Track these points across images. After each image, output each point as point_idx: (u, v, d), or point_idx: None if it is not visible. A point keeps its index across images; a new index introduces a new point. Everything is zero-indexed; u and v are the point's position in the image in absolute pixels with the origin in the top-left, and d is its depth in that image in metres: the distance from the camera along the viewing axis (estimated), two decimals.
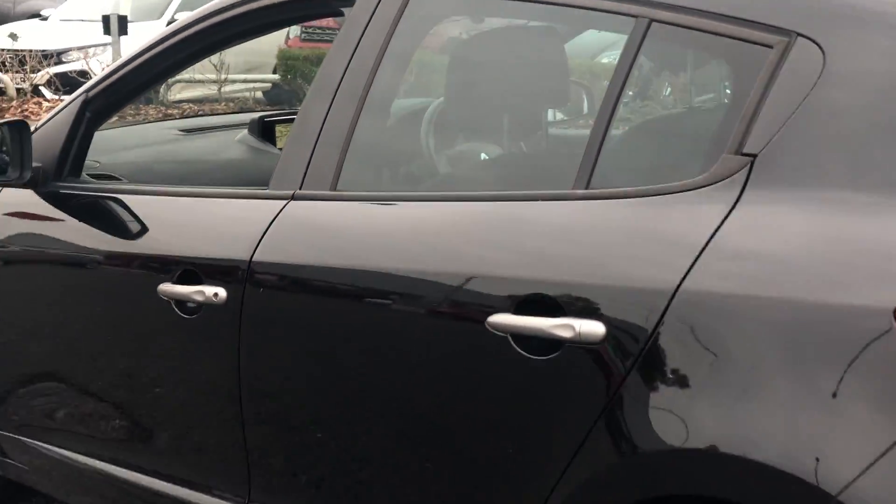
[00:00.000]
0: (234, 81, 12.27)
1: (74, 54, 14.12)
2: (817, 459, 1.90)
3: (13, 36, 14.19)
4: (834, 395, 1.91)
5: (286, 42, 13.18)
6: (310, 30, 13.74)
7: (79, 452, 3.28)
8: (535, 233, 2.32)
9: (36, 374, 3.42)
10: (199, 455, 2.96)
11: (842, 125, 2.06)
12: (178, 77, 11.74)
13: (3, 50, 14.06)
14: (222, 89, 12.20)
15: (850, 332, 1.91)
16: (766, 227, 2.06)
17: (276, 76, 13.57)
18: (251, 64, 13.27)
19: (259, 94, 13.61)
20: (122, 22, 12.94)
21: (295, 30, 13.46)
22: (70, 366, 3.29)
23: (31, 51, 13.78)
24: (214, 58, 11.17)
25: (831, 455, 1.89)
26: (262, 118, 4.03)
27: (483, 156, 2.80)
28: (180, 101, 12.45)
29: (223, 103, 12.28)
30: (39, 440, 3.39)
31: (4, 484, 3.77)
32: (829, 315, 1.93)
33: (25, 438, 3.43)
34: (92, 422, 3.24)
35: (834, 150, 2.06)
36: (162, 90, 12.01)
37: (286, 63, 12.78)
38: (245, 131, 4.05)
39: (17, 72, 13.40)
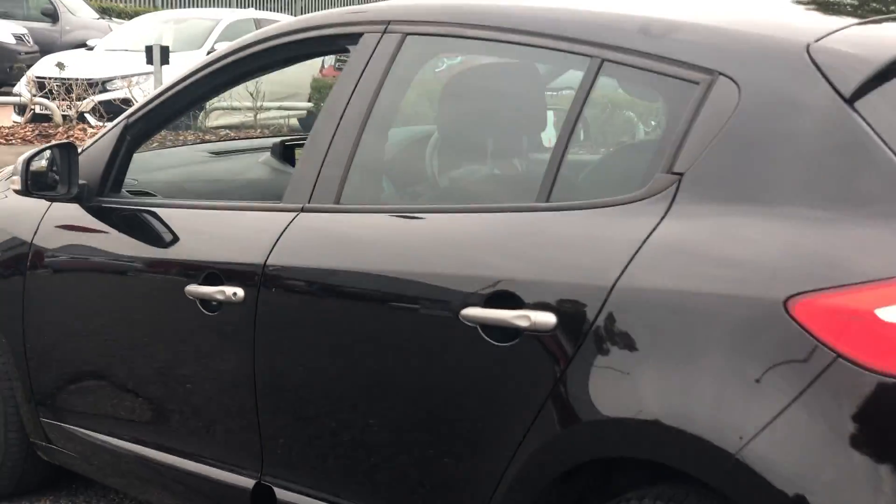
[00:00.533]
0: (269, 109, 12.73)
1: (118, 83, 14.67)
2: (721, 425, 2.29)
3: (60, 65, 14.77)
4: (735, 373, 2.30)
5: (321, 71, 13.65)
6: (344, 60, 14.18)
7: (117, 437, 3.70)
8: (503, 238, 2.73)
9: (80, 369, 3.85)
10: (219, 436, 3.37)
11: (750, 148, 2.46)
12: (215, 105, 12.27)
13: (50, 78, 14.65)
14: (258, 116, 12.67)
15: (752, 318, 2.30)
16: (687, 233, 2.46)
17: (311, 104, 14.05)
18: (287, 92, 13.74)
19: (294, 122, 14.10)
20: (164, 52, 13.47)
21: (330, 59, 13.93)
22: (110, 360, 3.72)
23: (77, 79, 14.34)
24: (251, 86, 11.64)
25: (732, 422, 2.28)
26: (283, 142, 4.47)
27: (461, 173, 3.22)
28: (218, 128, 12.93)
29: (258, 130, 12.75)
30: (82, 427, 3.82)
31: (51, 469, 4.21)
32: (735, 305, 2.33)
33: (70, 426, 3.86)
34: (128, 410, 3.67)
35: (743, 169, 2.46)
36: (200, 117, 12.49)
37: (320, 91, 13.24)
38: (268, 154, 4.49)
39: (63, 99, 13.96)
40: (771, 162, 2.44)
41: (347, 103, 3.16)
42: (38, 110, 14.07)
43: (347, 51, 3.29)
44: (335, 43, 3.38)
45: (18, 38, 20.95)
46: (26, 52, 20.47)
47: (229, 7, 29.24)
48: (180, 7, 29.74)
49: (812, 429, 2.21)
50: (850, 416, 2.19)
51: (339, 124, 3.16)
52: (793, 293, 2.26)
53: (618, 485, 2.60)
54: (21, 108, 14.74)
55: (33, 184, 3.73)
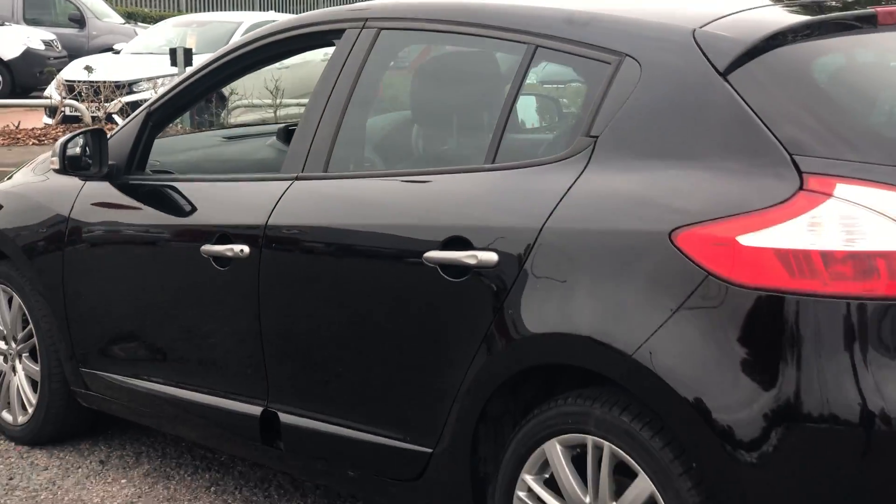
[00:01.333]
0: (288, 105, 13.32)
1: (144, 84, 15.30)
2: (621, 333, 2.88)
3: (88, 68, 15.42)
4: (634, 291, 2.89)
5: None
6: None
7: (146, 380, 4.31)
8: (457, 194, 3.34)
9: (113, 325, 4.46)
10: (232, 373, 3.98)
11: (648, 114, 3.05)
12: (237, 102, 12.92)
13: (79, 81, 15.31)
14: (277, 112, 13.28)
15: (645, 247, 2.89)
16: (601, 183, 3.05)
17: None
18: (306, 89, 14.32)
19: None
20: (188, 54, 14.09)
21: None
22: (138, 315, 4.34)
23: (104, 82, 14.99)
24: (270, 84, 12.26)
25: (629, 331, 2.87)
26: (286, 126, 5.07)
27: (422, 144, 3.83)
28: (240, 125, 13.54)
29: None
30: (116, 374, 4.44)
31: (89, 416, 4.83)
32: (633, 237, 2.92)
33: (106, 374, 4.48)
34: (155, 356, 4.29)
35: (643, 131, 3.05)
36: (223, 114, 13.13)
37: None
38: (274, 137, 5.10)
39: (92, 101, 14.60)
40: (663, 125, 3.03)
41: (333, 88, 3.77)
42: (68, 112, 14.71)
43: (333, 44, 3.89)
44: (323, 38, 3.99)
45: (47, 44, 21.68)
46: (55, 58, 21.20)
47: (250, 10, 29.94)
48: (203, 11, 30.46)
49: (690, 331, 2.80)
50: (719, 320, 2.77)
51: (326, 106, 3.76)
52: (675, 227, 2.85)
53: (556, 393, 3.20)
54: (52, 111, 15.39)
55: (69, 164, 4.36)
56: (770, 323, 2.74)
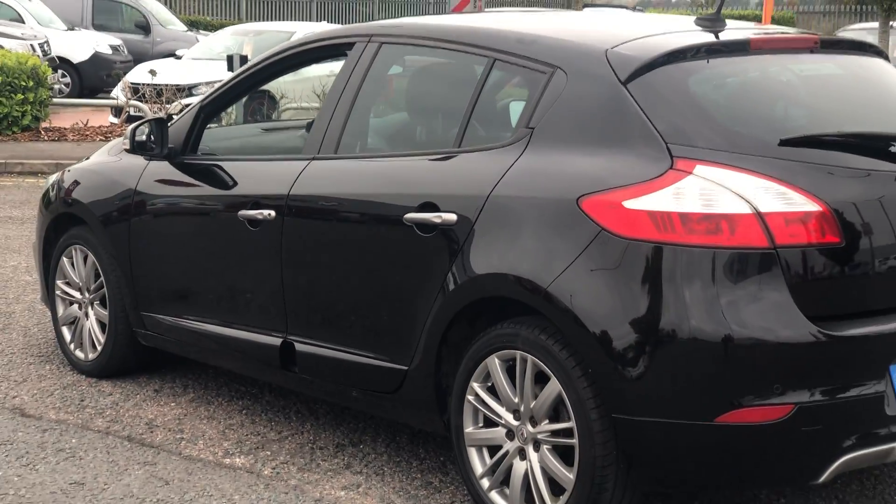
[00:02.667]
0: None
1: (203, 88, 16.45)
2: (539, 272, 3.90)
3: (152, 72, 16.63)
4: (550, 242, 3.91)
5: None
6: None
7: (192, 320, 5.38)
8: (431, 170, 4.38)
9: (168, 276, 5.54)
10: (260, 312, 5.04)
11: (570, 112, 4.08)
12: (287, 105, 14.04)
13: (143, 84, 16.53)
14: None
15: (560, 210, 3.91)
16: (533, 163, 4.08)
17: None
18: None
19: None
20: (243, 61, 15.16)
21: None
22: (188, 268, 5.41)
23: (167, 85, 16.18)
24: (318, 87, 13.35)
25: (545, 271, 3.88)
26: (314, 121, 6.14)
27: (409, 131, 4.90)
28: (279, 120, 14.63)
29: None
30: (170, 315, 5.50)
31: (147, 354, 5.91)
32: (552, 203, 3.94)
33: (161, 316, 5.56)
34: (201, 300, 5.36)
35: (566, 124, 4.07)
36: (274, 115, 14.24)
37: None
38: (304, 129, 6.16)
39: (154, 102, 15.78)
40: (580, 120, 4.06)
41: (344, 88, 4.83)
42: (132, 112, 15.90)
43: (346, 54, 4.95)
44: (339, 49, 5.05)
45: (114, 48, 23.03)
46: (121, 62, 22.54)
47: (305, 20, 31.17)
48: (262, 20, 31.75)
49: (587, 270, 3.81)
50: (608, 262, 3.78)
51: (338, 101, 4.83)
52: (581, 194, 3.87)
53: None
54: (117, 111, 16.62)
55: (137, 146, 5.46)
56: (644, 265, 3.75)
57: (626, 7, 36.79)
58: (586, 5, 39.27)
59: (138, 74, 17.28)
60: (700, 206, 3.73)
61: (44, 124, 15.76)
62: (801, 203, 3.73)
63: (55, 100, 16.83)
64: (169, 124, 5.49)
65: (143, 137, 5.47)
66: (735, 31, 4.39)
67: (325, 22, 24.02)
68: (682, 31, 4.40)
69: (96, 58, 22.43)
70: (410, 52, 4.95)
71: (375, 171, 4.64)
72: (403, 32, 4.87)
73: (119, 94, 17.01)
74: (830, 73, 4.47)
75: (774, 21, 35.79)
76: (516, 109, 4.36)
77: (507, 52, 4.38)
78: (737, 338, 3.65)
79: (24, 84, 15.19)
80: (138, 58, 22.41)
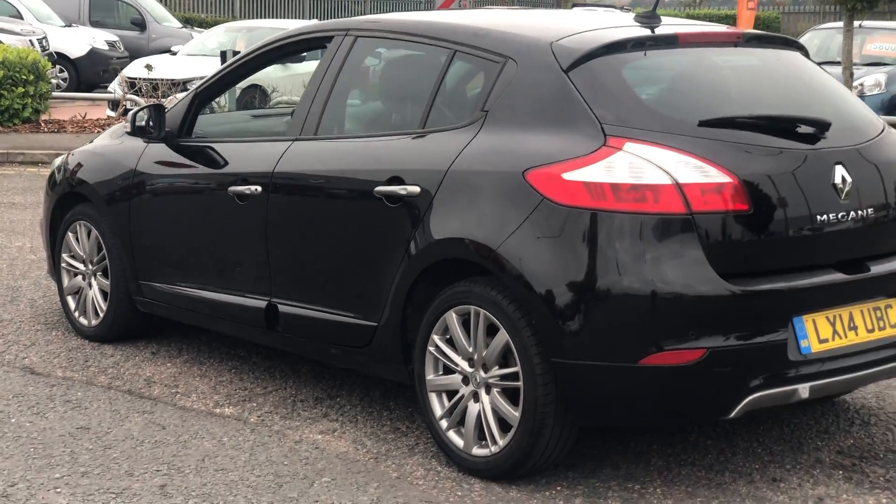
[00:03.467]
0: None
1: (197, 82, 17.02)
2: (490, 236, 4.47)
3: (149, 67, 17.19)
4: (500, 209, 4.48)
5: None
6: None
7: (186, 287, 5.94)
8: (398, 148, 4.95)
9: (164, 247, 6.10)
10: (247, 277, 5.60)
11: (519, 97, 4.65)
12: (277, 99, 14.61)
13: (140, 79, 17.09)
14: None
15: (508, 181, 4.47)
16: (487, 141, 4.65)
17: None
18: None
19: None
20: None
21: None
22: (183, 239, 5.97)
23: (162, 79, 16.74)
24: (307, 82, 13.90)
25: (495, 234, 4.45)
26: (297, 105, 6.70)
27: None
28: (267, 108, 15.18)
29: None
30: (165, 283, 6.07)
31: (145, 320, 6.48)
32: (501, 175, 4.51)
33: (157, 283, 6.12)
34: (194, 268, 5.92)
35: (516, 108, 4.64)
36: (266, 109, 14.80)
37: None
38: (290, 116, 6.72)
39: (150, 96, 16.33)
40: (528, 104, 4.63)
41: (324, 76, 5.40)
42: (129, 106, 16.45)
43: (326, 46, 5.52)
44: (320, 42, 5.63)
45: (111, 44, 23.57)
46: (118, 58, 23.07)
47: (297, 18, 31.71)
48: (255, 17, 32.29)
49: (531, 233, 4.37)
50: (549, 227, 4.35)
51: (318, 88, 5.39)
52: (526, 168, 4.44)
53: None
54: (114, 104, 17.17)
55: (137, 130, 6.02)
56: (580, 229, 4.32)
57: (615, 7, 37.41)
58: (575, 4, 39.90)
59: (135, 69, 17.84)
60: (628, 178, 4.31)
61: (44, 117, 16.30)
62: (715, 175, 4.31)
63: (54, 93, 17.37)
64: (166, 110, 6.05)
65: (143, 122, 6.04)
66: (667, 26, 4.95)
67: (316, 20, 24.55)
68: (621, 26, 4.97)
69: (93, 53, 22.95)
70: (382, 44, 5.53)
71: (350, 149, 5.21)
72: (376, 27, 5.45)
73: (116, 88, 17.57)
74: (750, 64, 5.05)
75: (759, 20, 36.53)
76: (473, 94, 4.93)
77: (465, 44, 4.95)
78: (658, 291, 4.23)
79: (24, 78, 15.73)
80: (134, 54, 22.94)
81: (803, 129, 4.59)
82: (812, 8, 37.88)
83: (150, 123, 6.01)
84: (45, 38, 21.52)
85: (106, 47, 23.36)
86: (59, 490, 4.54)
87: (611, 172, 4.33)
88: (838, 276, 4.50)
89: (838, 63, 15.17)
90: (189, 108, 6.03)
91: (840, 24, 13.95)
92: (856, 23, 16.31)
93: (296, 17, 33.08)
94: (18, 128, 15.76)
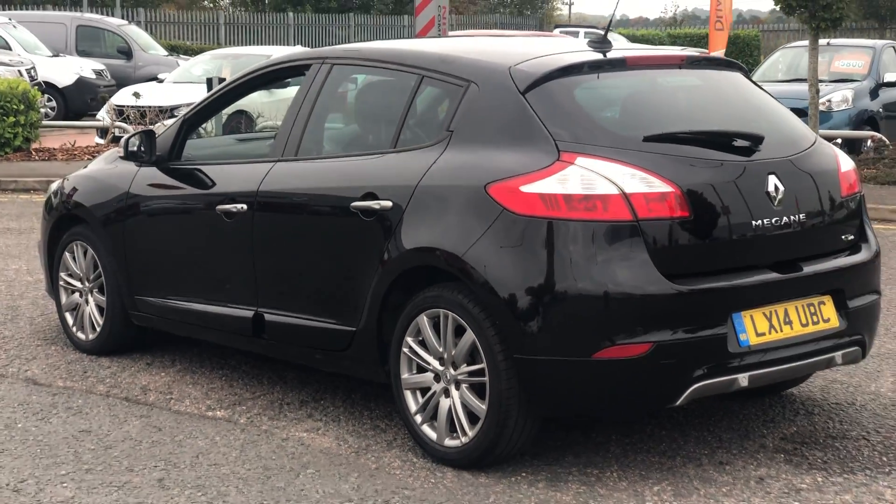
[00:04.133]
0: None
1: (184, 109, 17.44)
2: (455, 244, 4.90)
3: (136, 95, 17.63)
4: (464, 220, 4.91)
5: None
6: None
7: (178, 300, 6.37)
8: (372, 166, 5.39)
9: (157, 265, 6.52)
10: (235, 289, 6.02)
11: (481, 117, 5.09)
12: (263, 124, 15.04)
13: (127, 106, 17.53)
14: None
15: (471, 195, 4.91)
16: (452, 158, 5.08)
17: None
18: None
19: None
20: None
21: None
22: (174, 256, 6.40)
23: (150, 107, 17.18)
24: None
25: (460, 243, 4.89)
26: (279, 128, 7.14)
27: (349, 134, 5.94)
28: (251, 133, 15.61)
29: None
30: (159, 297, 6.49)
31: (139, 333, 6.89)
32: (465, 189, 4.94)
33: (151, 298, 6.54)
34: (185, 283, 6.35)
35: (478, 127, 5.08)
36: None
37: None
38: (273, 140, 7.16)
39: (139, 123, 16.77)
40: (489, 123, 5.08)
41: (303, 101, 5.84)
42: (117, 133, 16.89)
43: (304, 74, 5.96)
44: (299, 70, 6.08)
45: (98, 73, 24.02)
46: (105, 86, 23.52)
47: (281, 45, 32.20)
48: (239, 45, 32.79)
49: (493, 242, 4.81)
50: (509, 235, 4.79)
51: (298, 112, 5.84)
52: (488, 182, 4.88)
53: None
54: (103, 132, 17.60)
55: (130, 154, 6.46)
56: (537, 236, 4.76)
57: (596, 29, 38.07)
58: (557, 26, 40.61)
59: (123, 97, 18.26)
60: (580, 189, 4.75)
61: (34, 145, 16.73)
62: (659, 186, 4.75)
63: (44, 122, 17.80)
64: (157, 136, 6.49)
65: (135, 147, 6.47)
66: (617, 51, 5.41)
67: (300, 46, 25.03)
68: (575, 51, 5.42)
69: (81, 82, 23.39)
70: (356, 71, 5.99)
71: (328, 169, 5.65)
72: (351, 55, 5.91)
73: (104, 116, 17.99)
74: (693, 84, 5.51)
75: (739, 39, 37.20)
76: (440, 116, 5.37)
77: (432, 69, 5.40)
78: (609, 292, 4.67)
79: (15, 107, 16.16)
80: (121, 82, 23.36)
81: (739, 142, 5.04)
82: (792, 26, 38.49)
83: (142, 148, 6.44)
84: (33, 67, 21.95)
85: (93, 76, 23.80)
86: (65, 485, 4.95)
87: (564, 184, 4.76)
88: (773, 276, 4.95)
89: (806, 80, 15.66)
90: (178, 133, 6.46)
91: (820, 41, 14.46)
92: (824, 41, 16.84)
93: (280, 45, 33.62)
94: (10, 156, 16.18)
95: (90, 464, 5.18)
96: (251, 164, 6.10)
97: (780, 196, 4.97)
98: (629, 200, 4.71)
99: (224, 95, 6.44)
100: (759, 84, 5.74)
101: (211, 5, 48.19)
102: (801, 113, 14.21)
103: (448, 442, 5.08)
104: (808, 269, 5.07)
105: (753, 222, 4.91)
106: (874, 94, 16.23)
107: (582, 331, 4.72)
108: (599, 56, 5.31)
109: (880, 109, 16.16)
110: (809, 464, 5.10)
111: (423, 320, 5.12)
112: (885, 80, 16.37)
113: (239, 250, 5.95)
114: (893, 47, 17.30)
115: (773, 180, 4.97)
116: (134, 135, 6.49)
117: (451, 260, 4.94)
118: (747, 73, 5.72)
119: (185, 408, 5.97)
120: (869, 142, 14.94)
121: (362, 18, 42.27)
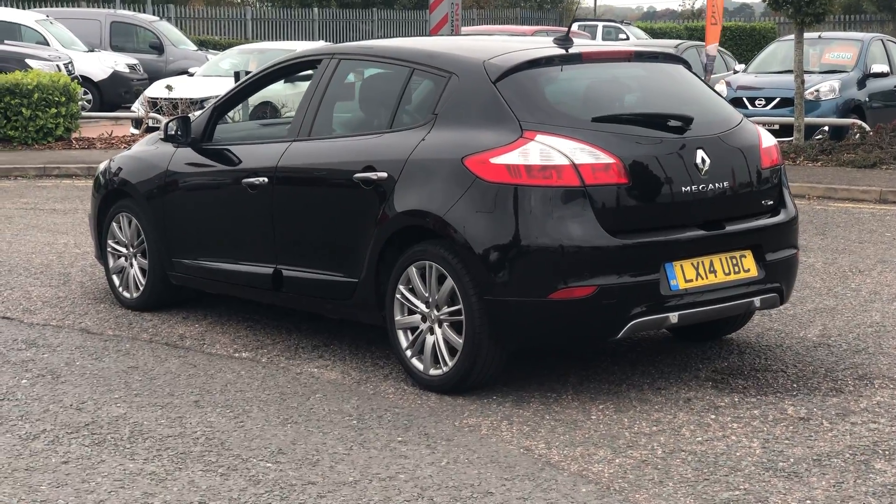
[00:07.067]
0: None
1: (213, 101, 18.53)
2: (437, 207, 5.97)
3: (169, 87, 18.76)
4: (447, 187, 5.98)
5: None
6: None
7: (210, 261, 7.45)
8: (372, 144, 6.46)
9: (191, 231, 7.60)
10: (258, 250, 7.10)
11: (460, 103, 6.15)
12: (287, 114, 16.11)
13: (160, 98, 18.66)
14: None
15: (452, 167, 5.97)
16: (437, 137, 6.15)
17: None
18: None
19: None
20: None
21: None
22: (206, 224, 7.48)
23: (181, 98, 18.27)
24: None
25: (441, 206, 5.95)
26: (295, 113, 8.21)
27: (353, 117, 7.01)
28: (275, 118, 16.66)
29: None
30: (193, 259, 7.57)
31: (175, 292, 7.98)
32: (446, 162, 6.01)
33: (187, 260, 7.63)
34: (215, 245, 7.43)
35: (458, 111, 6.14)
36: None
37: None
38: (289, 123, 8.23)
39: (171, 114, 17.86)
40: (467, 108, 6.13)
41: (315, 90, 6.92)
42: (151, 123, 18.00)
43: (317, 67, 7.04)
44: (312, 64, 7.16)
45: (132, 67, 25.16)
46: (138, 80, 24.66)
47: (306, 39, 33.28)
48: (265, 40, 33.91)
49: (468, 205, 5.86)
50: (481, 199, 5.84)
51: (311, 100, 6.91)
52: (464, 155, 5.94)
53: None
54: (138, 122, 18.73)
55: (169, 137, 7.56)
56: (504, 200, 5.81)
57: (615, 22, 38.99)
58: (576, 20, 41.53)
59: (156, 90, 19.37)
60: (539, 161, 5.80)
61: (74, 135, 17.87)
62: (604, 158, 5.80)
63: (83, 114, 18.95)
64: (192, 120, 7.58)
65: (173, 131, 7.56)
66: (576, 47, 6.45)
67: (322, 41, 26.10)
68: (541, 47, 6.48)
69: (115, 76, 24.52)
70: (360, 65, 7.08)
71: (336, 146, 6.73)
72: (355, 52, 7.01)
73: (139, 107, 19.14)
74: (639, 75, 6.56)
75: (756, 31, 38.23)
76: (427, 101, 6.43)
77: (421, 63, 6.47)
78: (563, 244, 5.72)
79: (57, 99, 17.32)
80: (153, 76, 24.47)
81: (673, 122, 6.09)
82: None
83: (179, 132, 7.54)
84: (70, 62, 23.08)
85: (127, 70, 24.92)
86: (118, 405, 6.05)
87: (526, 157, 5.82)
88: (700, 233, 6.00)
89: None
90: (210, 118, 7.55)
91: (812, 35, 15.43)
92: (815, 34, 17.80)
93: (305, 39, 34.77)
94: (52, 145, 17.33)
95: (138, 390, 6.28)
96: (271, 143, 7.18)
97: (706, 167, 6.01)
98: (578, 170, 5.76)
99: (249, 86, 7.53)
100: (698, 75, 6.79)
101: (239, 1, 49.36)
102: (790, 102, 15.20)
103: (432, 371, 6.14)
104: (731, 227, 6.11)
105: (683, 188, 5.95)
106: (861, 84, 17.18)
107: (540, 276, 5.77)
108: (560, 51, 6.35)
109: (867, 99, 17.12)
110: (731, 388, 6.15)
111: (412, 271, 6.18)
112: (871, 71, 17.32)
113: (261, 216, 7.03)
114: (881, 40, 18.25)
115: (700, 154, 6.02)
116: (172, 120, 7.58)
117: (435, 221, 6.00)
118: (689, 66, 6.76)
119: (215, 350, 7.06)
120: (856, 129, 15.88)
121: (385, 13, 43.39)
